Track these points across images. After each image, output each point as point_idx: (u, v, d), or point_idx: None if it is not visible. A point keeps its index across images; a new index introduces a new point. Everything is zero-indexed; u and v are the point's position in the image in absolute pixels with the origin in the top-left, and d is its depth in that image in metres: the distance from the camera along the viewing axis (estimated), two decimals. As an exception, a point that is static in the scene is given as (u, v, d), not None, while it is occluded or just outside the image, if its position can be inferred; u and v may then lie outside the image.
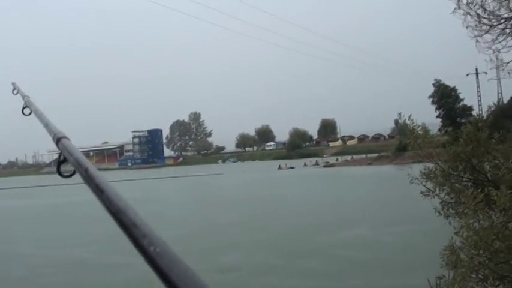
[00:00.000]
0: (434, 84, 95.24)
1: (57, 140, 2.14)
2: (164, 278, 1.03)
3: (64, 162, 2.05)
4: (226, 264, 18.89)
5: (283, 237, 23.82)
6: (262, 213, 33.46)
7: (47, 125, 2.44)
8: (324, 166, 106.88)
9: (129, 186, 78.75)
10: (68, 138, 2.16)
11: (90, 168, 1.73)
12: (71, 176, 2.03)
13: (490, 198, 8.03)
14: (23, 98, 3.34)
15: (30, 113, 3.04)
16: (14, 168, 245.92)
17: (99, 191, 1.52)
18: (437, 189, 9.33)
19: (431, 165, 9.38)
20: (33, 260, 22.48)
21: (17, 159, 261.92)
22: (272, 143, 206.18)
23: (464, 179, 9.45)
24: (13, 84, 3.84)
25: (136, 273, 16.44)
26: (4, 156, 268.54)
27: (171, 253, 1.08)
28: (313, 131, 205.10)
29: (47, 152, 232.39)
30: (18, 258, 23.25)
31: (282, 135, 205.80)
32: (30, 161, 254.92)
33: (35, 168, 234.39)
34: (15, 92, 3.72)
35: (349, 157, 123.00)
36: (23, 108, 3.14)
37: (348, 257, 18.99)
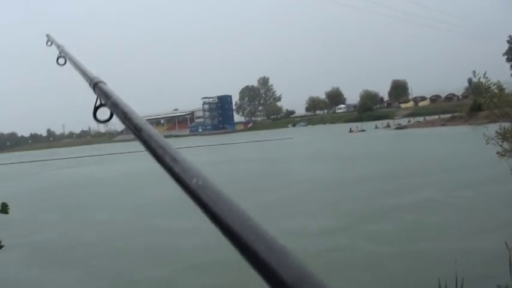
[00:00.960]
0: (508, 41, 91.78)
1: (94, 85, 2.13)
2: (207, 210, 1.02)
3: (101, 107, 2.07)
4: (294, 227, 18.86)
5: (353, 200, 23.62)
6: (332, 176, 33.28)
7: (83, 72, 2.41)
8: (396, 128, 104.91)
9: (201, 151, 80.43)
10: (105, 83, 2.15)
11: (129, 110, 1.78)
12: (107, 120, 2.07)
13: None
14: (58, 47, 3.31)
15: (65, 62, 3.06)
16: (87, 137, 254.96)
17: (137, 130, 1.57)
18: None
19: (507, 124, 9.24)
20: (106, 227, 23.17)
21: (89, 128, 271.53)
22: (342, 106, 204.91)
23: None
24: (47, 36, 3.75)
25: (204, 237, 16.90)
26: (77, 126, 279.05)
27: (213, 186, 1.08)
28: (384, 92, 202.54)
29: (119, 120, 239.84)
30: (92, 225, 23.99)
31: (352, 97, 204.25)
32: (102, 129, 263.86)
33: (108, 136, 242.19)
34: (49, 43, 3.66)
35: (421, 118, 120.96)
36: (58, 58, 3.13)
37: (419, 220, 18.50)
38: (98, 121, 2.12)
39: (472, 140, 27.54)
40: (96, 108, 2.06)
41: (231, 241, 0.93)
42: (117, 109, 1.87)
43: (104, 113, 2.08)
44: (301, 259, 0.82)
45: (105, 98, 2.03)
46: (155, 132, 1.50)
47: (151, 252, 17.49)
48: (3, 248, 4.98)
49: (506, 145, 9.42)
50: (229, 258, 13.21)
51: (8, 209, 4.74)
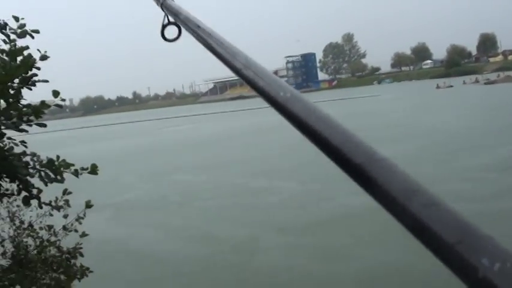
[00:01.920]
0: None
1: (162, 4, 2.02)
2: (297, 121, 0.99)
3: (169, 25, 2.01)
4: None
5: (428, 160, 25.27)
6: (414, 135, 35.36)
7: None
8: (485, 83, 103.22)
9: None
10: (173, 0, 2.04)
11: (202, 24, 1.65)
12: (176, 39, 2.02)
13: None
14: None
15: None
16: (172, 99, 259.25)
17: (212, 46, 1.49)
18: None
19: None
20: (190, 186, 25.71)
21: (174, 90, 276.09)
22: (429, 61, 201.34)
23: None
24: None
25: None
26: (162, 88, 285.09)
27: (301, 97, 1.06)
28: (471, 47, 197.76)
29: (203, 81, 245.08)
30: (175, 184, 26.73)
31: (439, 52, 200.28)
32: (187, 91, 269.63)
33: (192, 97, 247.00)
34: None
35: (511, 73, 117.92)
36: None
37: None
38: (167, 40, 2.04)
39: None
40: (164, 27, 2.01)
41: (327, 153, 0.89)
42: (188, 24, 1.76)
43: (172, 32, 2.02)
44: (404, 170, 0.78)
45: (173, 15, 1.96)
46: (229, 44, 1.45)
47: (238, 210, 19.16)
48: (92, 207, 5.60)
49: None
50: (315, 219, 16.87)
51: (98, 170, 4.95)
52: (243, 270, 12.94)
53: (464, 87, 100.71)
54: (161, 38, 2.02)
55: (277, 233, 15.91)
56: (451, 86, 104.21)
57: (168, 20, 1.98)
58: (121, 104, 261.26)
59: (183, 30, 1.93)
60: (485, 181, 19.48)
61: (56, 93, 4.94)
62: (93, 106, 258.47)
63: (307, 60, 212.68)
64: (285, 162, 28.68)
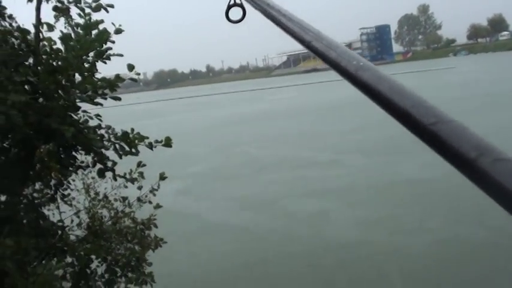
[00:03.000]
0: None
1: None
2: (369, 89, 1.02)
3: (235, 6, 1.99)
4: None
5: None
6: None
7: None
8: None
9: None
10: None
11: (271, 2, 1.61)
12: (240, 21, 2.00)
13: None
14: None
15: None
16: (245, 72, 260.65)
17: (283, 21, 1.46)
18: None
19: None
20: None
21: (248, 63, 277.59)
22: (506, 33, 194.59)
23: None
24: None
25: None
26: (236, 61, 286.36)
27: (373, 66, 1.08)
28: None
29: (277, 54, 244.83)
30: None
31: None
32: (260, 64, 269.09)
33: (266, 71, 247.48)
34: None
35: None
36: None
37: None
38: (230, 21, 2.02)
39: None
40: (229, 7, 2.00)
41: (398, 119, 0.92)
42: (257, 2, 1.69)
43: (236, 13, 2.00)
44: (473, 131, 0.80)
45: None
46: (299, 19, 1.42)
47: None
48: (166, 179, 5.65)
49: None
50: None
51: (172, 142, 5.01)
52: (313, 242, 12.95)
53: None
54: (225, 19, 2.02)
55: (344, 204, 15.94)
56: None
57: (234, 0, 1.99)
58: (194, 77, 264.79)
59: (247, 9, 1.95)
60: None
61: (130, 67, 4.99)
62: (167, 79, 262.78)
63: (381, 32, 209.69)
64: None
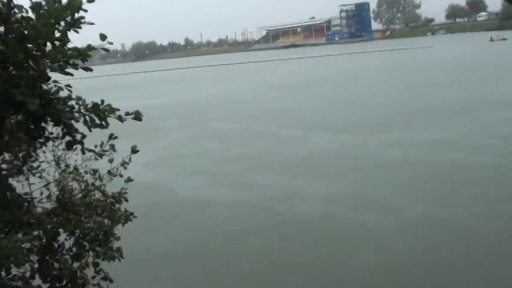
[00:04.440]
0: None
1: None
2: None
3: None
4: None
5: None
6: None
7: None
8: None
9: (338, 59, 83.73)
10: None
11: None
12: None
13: None
14: None
15: None
16: (224, 46, 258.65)
17: None
18: None
19: None
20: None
21: (226, 37, 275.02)
22: (484, 14, 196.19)
23: None
24: None
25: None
26: (214, 35, 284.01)
27: None
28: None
29: (256, 29, 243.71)
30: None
31: (494, 4, 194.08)
32: (239, 38, 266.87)
33: (245, 45, 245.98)
34: None
35: None
36: None
37: None
38: None
39: None
40: None
41: None
42: None
43: None
44: None
45: None
46: None
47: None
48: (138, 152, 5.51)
49: None
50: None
51: (141, 116, 4.91)
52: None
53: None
54: None
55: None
56: (505, 39, 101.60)
57: None
58: (173, 50, 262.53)
59: None
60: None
61: (103, 37, 4.86)
62: (145, 52, 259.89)
63: (360, 9, 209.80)
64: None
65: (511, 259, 9.45)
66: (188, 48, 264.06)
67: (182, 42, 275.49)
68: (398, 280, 9.11)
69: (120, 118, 4.82)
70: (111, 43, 4.88)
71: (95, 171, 5.80)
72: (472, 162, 16.55)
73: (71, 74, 4.83)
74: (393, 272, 9.40)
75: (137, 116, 4.87)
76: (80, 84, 5.42)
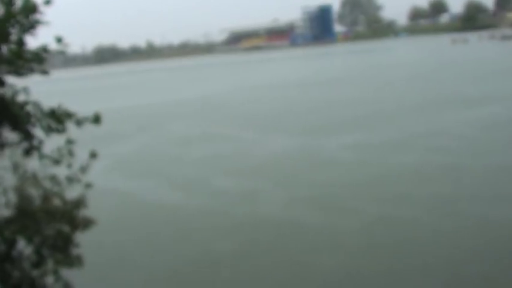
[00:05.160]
0: None
1: None
2: None
3: None
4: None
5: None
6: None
7: None
8: (502, 38, 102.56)
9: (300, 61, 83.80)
10: None
11: None
12: None
13: None
14: None
15: None
16: (187, 49, 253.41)
17: None
18: None
19: None
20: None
21: (189, 39, 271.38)
22: (446, 16, 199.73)
23: None
24: None
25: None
26: (177, 36, 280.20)
27: None
28: (489, 1, 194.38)
29: (219, 30, 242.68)
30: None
31: (456, 7, 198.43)
32: (202, 40, 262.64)
33: (207, 47, 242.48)
34: None
35: None
36: None
37: None
38: None
39: None
40: None
41: None
42: None
43: None
44: None
45: None
46: None
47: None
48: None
49: None
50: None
51: (100, 119, 4.95)
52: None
53: (479, 43, 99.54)
54: None
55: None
56: (466, 41, 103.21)
57: None
58: (135, 53, 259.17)
59: None
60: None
61: (59, 39, 4.77)
62: (106, 55, 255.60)
63: (324, 12, 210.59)
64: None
65: (469, 257, 9.53)
66: (150, 51, 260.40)
67: (143, 45, 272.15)
68: (356, 279, 9.12)
69: (78, 122, 4.76)
70: (67, 45, 4.79)
71: (53, 177, 5.67)
72: (427, 162, 16.67)
73: (26, 77, 4.74)
74: (350, 271, 9.41)
75: (96, 119, 4.78)
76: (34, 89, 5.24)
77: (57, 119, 4.68)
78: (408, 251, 10.15)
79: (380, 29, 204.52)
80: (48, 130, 4.68)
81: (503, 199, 12.53)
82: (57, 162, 5.25)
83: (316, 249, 10.64)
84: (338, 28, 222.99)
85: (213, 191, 15.79)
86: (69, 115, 4.70)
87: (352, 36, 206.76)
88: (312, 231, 11.75)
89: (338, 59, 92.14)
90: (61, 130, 4.69)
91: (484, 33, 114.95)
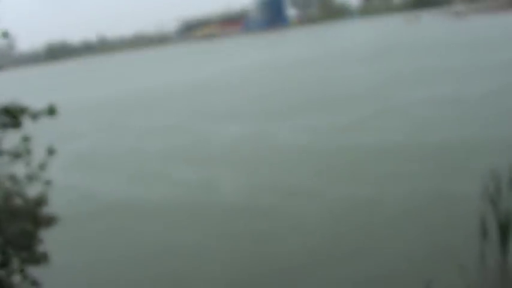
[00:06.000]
0: None
1: None
2: None
3: None
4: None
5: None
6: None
7: None
8: (455, 15, 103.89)
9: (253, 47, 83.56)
10: None
11: None
12: None
13: None
14: None
15: None
16: (140, 41, 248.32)
17: None
18: None
19: None
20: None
21: (142, 31, 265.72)
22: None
23: None
24: None
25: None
26: (130, 29, 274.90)
27: None
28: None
29: (173, 20, 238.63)
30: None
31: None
32: (156, 31, 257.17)
33: (161, 38, 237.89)
34: None
35: (483, 3, 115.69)
36: None
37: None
38: None
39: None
40: None
41: None
42: None
43: None
44: None
45: None
46: None
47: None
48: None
49: None
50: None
51: (56, 111, 4.91)
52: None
53: (433, 20, 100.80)
54: None
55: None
56: (419, 20, 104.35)
57: None
58: (87, 48, 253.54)
59: None
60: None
61: (4, 34, 4.66)
62: (57, 52, 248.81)
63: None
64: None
65: (422, 232, 9.66)
66: (102, 46, 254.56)
67: (95, 39, 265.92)
68: (320, 261, 9.15)
69: (33, 116, 4.67)
70: (12, 38, 4.68)
71: (13, 176, 5.57)
72: (381, 143, 16.82)
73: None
74: (315, 254, 9.42)
75: (51, 111, 4.71)
76: None
77: (11, 114, 4.57)
78: (369, 229, 10.25)
79: (334, 11, 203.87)
80: (3, 127, 4.58)
81: (454, 175, 12.74)
82: (15, 158, 5.15)
83: (279, 234, 10.64)
84: (292, 12, 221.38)
85: (173, 182, 15.68)
86: (23, 110, 4.60)
87: (306, 19, 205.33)
88: (273, 215, 11.75)
89: (293, 43, 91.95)
90: (16, 125, 4.60)
91: (437, 11, 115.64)
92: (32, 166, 5.42)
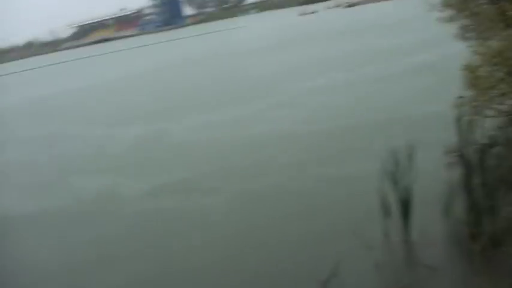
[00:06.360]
0: None
1: None
2: None
3: None
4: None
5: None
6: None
7: None
8: (347, 6, 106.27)
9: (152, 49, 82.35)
10: None
11: None
12: None
13: (508, 17, 8.52)
14: None
15: None
16: (32, 49, 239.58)
17: None
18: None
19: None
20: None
21: (35, 38, 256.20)
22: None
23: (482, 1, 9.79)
24: None
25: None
26: (22, 36, 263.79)
27: None
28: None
29: (67, 26, 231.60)
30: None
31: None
32: (49, 38, 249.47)
33: (54, 44, 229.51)
34: None
35: None
36: None
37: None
38: None
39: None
40: None
41: None
42: None
43: None
44: None
45: None
46: None
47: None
48: None
49: (448, 12, 10.06)
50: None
51: None
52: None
53: (326, 12, 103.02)
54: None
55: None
56: (314, 12, 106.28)
57: None
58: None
59: None
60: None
61: None
62: None
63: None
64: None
65: (324, 216, 9.59)
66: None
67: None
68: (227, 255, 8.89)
69: None
70: None
71: None
72: (279, 132, 16.74)
73: None
74: (220, 249, 9.14)
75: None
76: None
77: None
78: (270, 219, 10.08)
79: (229, 9, 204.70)
80: None
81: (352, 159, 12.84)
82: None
83: (184, 232, 10.27)
84: (189, 11, 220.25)
85: (72, 191, 14.77)
86: None
87: (202, 18, 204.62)
88: (177, 215, 11.36)
89: (188, 42, 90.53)
90: None
91: (331, 3, 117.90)
92: None
